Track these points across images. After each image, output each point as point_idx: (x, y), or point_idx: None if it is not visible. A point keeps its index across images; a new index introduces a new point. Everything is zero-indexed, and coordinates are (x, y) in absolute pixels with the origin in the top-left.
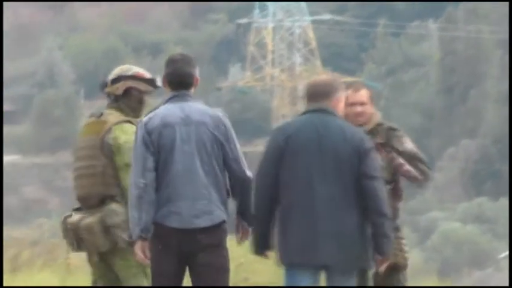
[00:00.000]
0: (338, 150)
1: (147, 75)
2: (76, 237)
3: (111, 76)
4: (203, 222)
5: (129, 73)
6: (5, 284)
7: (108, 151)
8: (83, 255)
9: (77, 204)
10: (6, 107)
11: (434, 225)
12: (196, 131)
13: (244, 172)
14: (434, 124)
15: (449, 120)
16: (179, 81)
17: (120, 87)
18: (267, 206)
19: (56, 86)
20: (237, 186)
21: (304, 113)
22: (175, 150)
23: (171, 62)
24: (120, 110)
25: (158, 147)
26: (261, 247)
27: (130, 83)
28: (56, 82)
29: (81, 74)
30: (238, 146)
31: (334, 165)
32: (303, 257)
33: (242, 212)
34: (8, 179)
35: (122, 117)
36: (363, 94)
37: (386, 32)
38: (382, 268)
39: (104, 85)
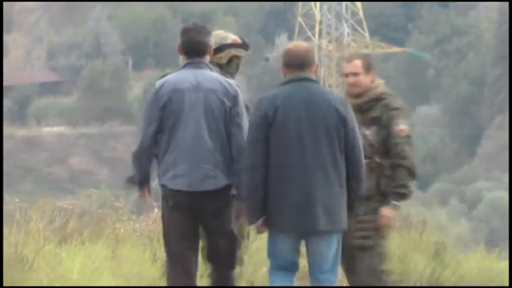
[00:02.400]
0: (326, 117)
1: (239, 39)
2: None
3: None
4: (207, 185)
5: (229, 41)
6: (53, 255)
7: None
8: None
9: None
10: (53, 77)
11: (480, 195)
12: (205, 97)
13: (243, 140)
14: (483, 93)
15: (498, 89)
16: (193, 49)
17: (224, 57)
18: (262, 170)
19: (103, 57)
20: (235, 153)
21: (288, 82)
22: (183, 116)
23: (185, 31)
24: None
25: (168, 112)
26: (258, 214)
27: (233, 52)
28: (104, 52)
29: (130, 44)
30: (245, 115)
31: (324, 132)
32: (295, 223)
33: (234, 172)
34: (56, 150)
35: None
36: (356, 64)
37: (434, 1)
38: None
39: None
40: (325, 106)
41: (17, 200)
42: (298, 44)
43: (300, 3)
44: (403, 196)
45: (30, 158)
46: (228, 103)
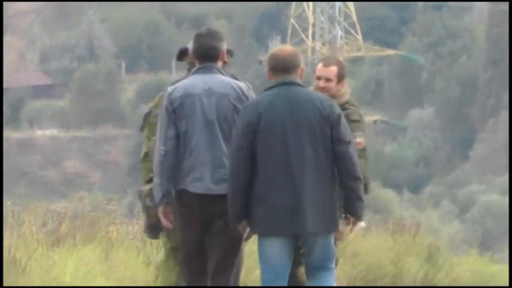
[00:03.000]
0: (310, 120)
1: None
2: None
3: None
4: (222, 189)
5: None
6: (46, 258)
7: None
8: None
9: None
10: (46, 80)
11: (473, 198)
12: (218, 102)
13: None
14: (476, 97)
15: (490, 92)
16: (205, 54)
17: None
18: (243, 179)
19: (96, 60)
20: None
21: (272, 87)
22: (197, 120)
23: (198, 36)
24: None
25: (180, 116)
26: (240, 218)
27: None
28: (96, 55)
29: (123, 47)
30: None
31: (307, 136)
32: (285, 226)
33: None
34: (49, 153)
35: None
36: (332, 70)
37: (427, 4)
38: (354, 229)
39: (183, 54)
40: (309, 108)
41: (8, 203)
42: (284, 47)
43: (293, 5)
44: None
45: (23, 160)
46: (240, 107)
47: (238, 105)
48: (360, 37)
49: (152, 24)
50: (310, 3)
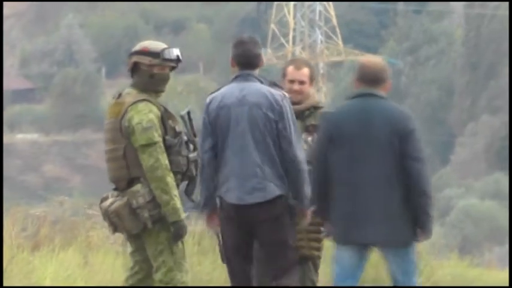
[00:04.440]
0: (379, 133)
1: (154, 48)
2: (110, 221)
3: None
4: (254, 198)
5: (137, 48)
6: (26, 263)
7: (126, 133)
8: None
9: (104, 183)
10: (26, 84)
11: (452, 202)
12: (250, 111)
13: (294, 153)
14: (454, 100)
15: (467, 96)
16: (247, 61)
17: (129, 63)
18: (322, 187)
19: (75, 64)
20: (286, 165)
21: (353, 97)
22: (230, 131)
23: (240, 43)
24: (135, 87)
25: (216, 127)
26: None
27: (135, 58)
28: (76, 60)
29: (102, 52)
30: (293, 127)
31: (376, 149)
32: (350, 235)
33: (295, 193)
34: (30, 157)
35: (138, 96)
36: (304, 73)
37: (407, 9)
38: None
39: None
40: (379, 121)
41: None
42: (374, 59)
43: (274, 10)
44: None
45: (3, 165)
46: (273, 117)
47: (270, 114)
48: (340, 41)
49: (131, 29)
50: (291, 7)
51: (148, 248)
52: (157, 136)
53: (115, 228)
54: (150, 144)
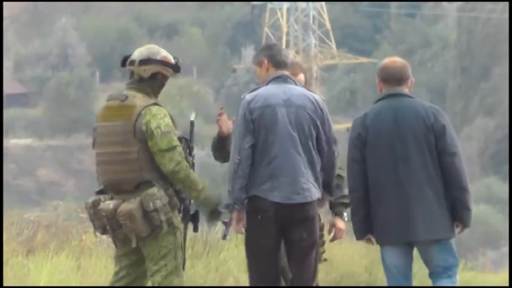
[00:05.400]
0: (415, 130)
1: (172, 60)
2: (111, 224)
3: (138, 55)
4: (302, 198)
5: (158, 57)
6: (21, 266)
7: (141, 137)
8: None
9: (97, 188)
10: (20, 89)
11: None
12: (296, 113)
13: (333, 152)
14: (448, 104)
15: (459, 99)
16: (285, 61)
17: (147, 70)
18: (362, 191)
19: (70, 68)
20: (327, 167)
21: (381, 99)
22: (277, 130)
23: (271, 46)
24: (141, 91)
25: (259, 126)
26: (363, 232)
27: (159, 68)
28: (70, 64)
29: (96, 55)
30: (333, 129)
31: (414, 146)
32: (396, 235)
33: (326, 183)
34: (23, 161)
35: (148, 100)
36: (301, 79)
37: (401, 12)
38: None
39: (126, 61)
40: (413, 118)
41: None
42: (395, 59)
43: (267, 14)
44: (347, 206)
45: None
46: (317, 120)
47: (314, 117)
48: (333, 45)
49: (124, 32)
50: (284, 12)
51: (149, 250)
52: (176, 140)
53: (113, 231)
54: (170, 148)
